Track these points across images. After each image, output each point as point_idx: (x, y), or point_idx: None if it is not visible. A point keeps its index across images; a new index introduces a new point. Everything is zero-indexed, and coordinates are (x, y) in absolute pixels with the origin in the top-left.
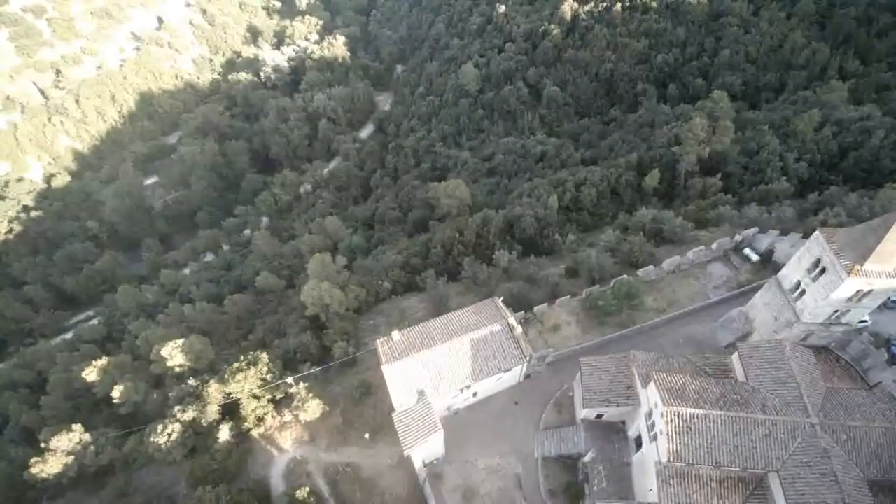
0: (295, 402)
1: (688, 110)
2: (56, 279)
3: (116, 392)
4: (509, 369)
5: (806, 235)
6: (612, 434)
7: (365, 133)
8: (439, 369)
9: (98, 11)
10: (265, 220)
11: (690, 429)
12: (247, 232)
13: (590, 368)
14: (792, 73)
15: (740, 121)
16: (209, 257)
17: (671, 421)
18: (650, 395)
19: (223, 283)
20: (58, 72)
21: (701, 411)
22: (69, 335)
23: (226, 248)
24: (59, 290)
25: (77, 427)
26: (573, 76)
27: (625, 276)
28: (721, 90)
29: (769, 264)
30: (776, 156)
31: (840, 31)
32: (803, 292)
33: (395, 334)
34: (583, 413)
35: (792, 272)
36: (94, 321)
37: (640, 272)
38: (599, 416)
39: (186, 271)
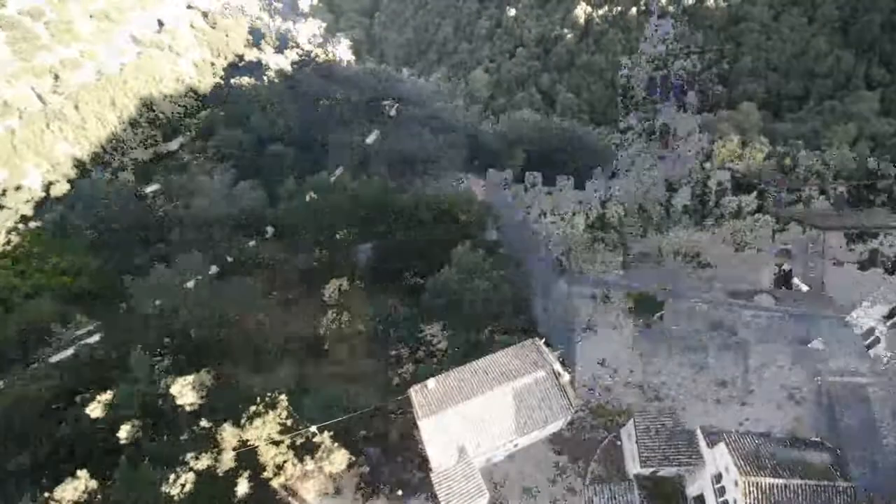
0: (319, 453)
1: (710, 120)
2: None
3: (123, 433)
4: (556, 420)
5: (862, 267)
6: (669, 491)
7: (371, 138)
8: (480, 422)
9: (97, 14)
10: (270, 229)
11: (770, 501)
12: (252, 243)
13: (645, 423)
14: (816, 81)
15: (767, 132)
16: (213, 269)
17: (749, 493)
18: (718, 458)
19: (228, 300)
20: (56, 76)
21: (781, 481)
22: (70, 351)
23: (230, 259)
24: (60, 302)
25: (83, 473)
26: (587, 82)
27: None
28: (743, 98)
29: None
30: (813, 173)
31: (864, 39)
32: (877, 340)
33: (431, 382)
34: (637, 469)
35: (864, 318)
36: (96, 336)
37: None
38: (655, 471)
39: (190, 284)
